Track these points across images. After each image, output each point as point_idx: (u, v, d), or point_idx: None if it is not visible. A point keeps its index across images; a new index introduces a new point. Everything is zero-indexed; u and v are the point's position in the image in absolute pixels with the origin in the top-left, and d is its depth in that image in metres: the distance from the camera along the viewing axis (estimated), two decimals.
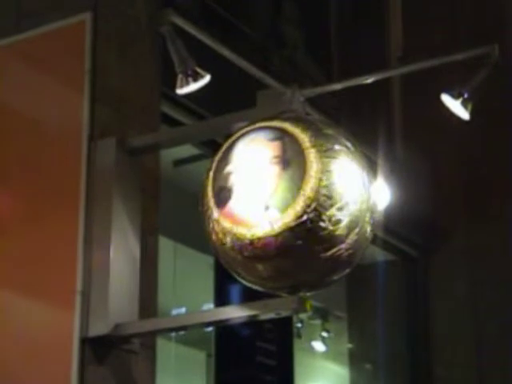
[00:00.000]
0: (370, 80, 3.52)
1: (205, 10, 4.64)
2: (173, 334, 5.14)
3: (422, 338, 6.13)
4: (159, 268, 3.68)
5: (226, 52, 3.48)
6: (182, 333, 5.07)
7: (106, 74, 3.57)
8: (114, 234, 3.37)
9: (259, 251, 2.82)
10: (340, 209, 2.78)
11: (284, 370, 5.19)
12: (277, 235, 2.79)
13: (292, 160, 2.82)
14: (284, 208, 2.79)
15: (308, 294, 2.99)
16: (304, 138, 2.84)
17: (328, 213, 2.77)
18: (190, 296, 5.40)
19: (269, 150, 2.87)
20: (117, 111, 3.58)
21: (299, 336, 6.14)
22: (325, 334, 6.53)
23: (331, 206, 2.77)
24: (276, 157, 2.84)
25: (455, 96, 3.47)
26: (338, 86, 3.62)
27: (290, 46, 5.55)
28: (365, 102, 5.49)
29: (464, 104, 3.47)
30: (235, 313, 3.17)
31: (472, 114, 3.55)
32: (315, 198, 2.76)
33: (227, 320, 3.21)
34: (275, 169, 2.84)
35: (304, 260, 2.83)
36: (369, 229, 2.88)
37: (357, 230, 2.81)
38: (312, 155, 2.80)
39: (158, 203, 3.70)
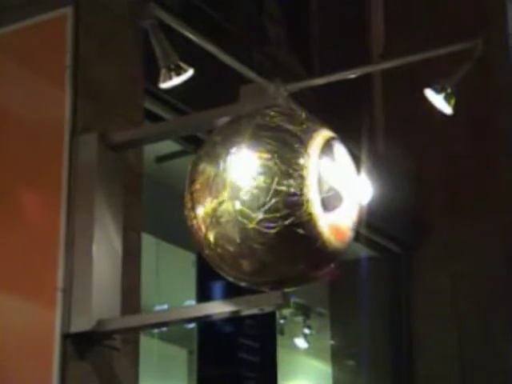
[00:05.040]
0: (352, 75, 3.53)
1: (187, 6, 4.63)
2: (155, 331, 5.13)
3: (405, 335, 6.15)
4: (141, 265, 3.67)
5: (209, 46, 3.47)
6: (164, 329, 5.06)
7: (88, 68, 3.55)
8: (96, 230, 3.36)
9: None
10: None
11: (267, 367, 5.18)
12: None
13: None
14: None
15: (291, 289, 2.98)
16: None
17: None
18: (172, 293, 5.38)
19: None
20: (99, 106, 3.56)
21: (282, 333, 6.13)
22: (307, 331, 6.54)
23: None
24: None
25: (438, 90, 3.48)
26: (320, 81, 3.63)
27: (273, 42, 5.55)
28: (347, 99, 5.50)
29: (447, 99, 3.48)
30: (218, 308, 3.15)
31: (454, 108, 3.56)
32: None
33: (210, 315, 3.20)
34: None
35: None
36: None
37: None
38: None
39: (140, 199, 3.69)
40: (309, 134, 2.85)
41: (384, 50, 6.34)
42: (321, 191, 2.81)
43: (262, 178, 2.80)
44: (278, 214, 2.78)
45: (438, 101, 3.48)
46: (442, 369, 5.97)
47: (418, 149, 6.14)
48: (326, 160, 2.86)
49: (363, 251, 5.99)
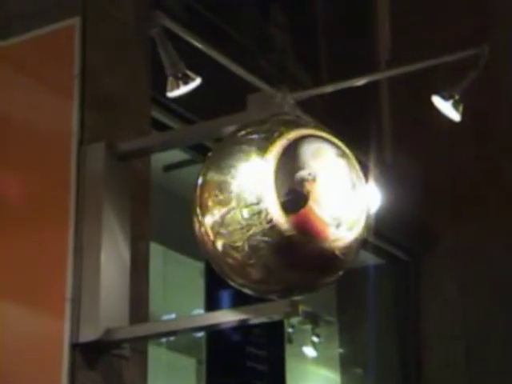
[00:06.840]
0: (360, 82, 3.53)
1: (193, 14, 4.64)
2: (163, 341, 5.12)
3: (413, 342, 6.13)
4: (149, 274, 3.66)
5: (216, 55, 3.47)
6: (172, 339, 5.05)
7: (96, 78, 3.55)
8: (104, 240, 3.36)
9: None
10: None
11: (275, 376, 5.17)
12: None
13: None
14: None
15: (299, 297, 2.97)
16: None
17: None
18: (181, 302, 5.38)
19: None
20: (106, 116, 3.57)
21: (290, 341, 6.12)
22: (315, 339, 6.52)
23: None
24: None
25: (446, 97, 3.48)
26: (328, 89, 3.63)
27: (279, 50, 5.55)
28: (354, 106, 5.49)
29: (455, 105, 3.48)
30: (227, 317, 3.15)
31: (461, 116, 3.55)
32: None
33: (219, 324, 3.20)
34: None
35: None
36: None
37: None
38: None
39: (148, 208, 3.69)
40: (270, 139, 2.81)
41: (391, 57, 6.33)
42: (279, 195, 2.76)
43: (223, 193, 2.80)
44: (238, 227, 2.77)
45: (445, 108, 3.48)
46: (451, 376, 5.95)
47: (425, 156, 6.13)
48: (287, 162, 2.79)
49: (371, 259, 5.97)
